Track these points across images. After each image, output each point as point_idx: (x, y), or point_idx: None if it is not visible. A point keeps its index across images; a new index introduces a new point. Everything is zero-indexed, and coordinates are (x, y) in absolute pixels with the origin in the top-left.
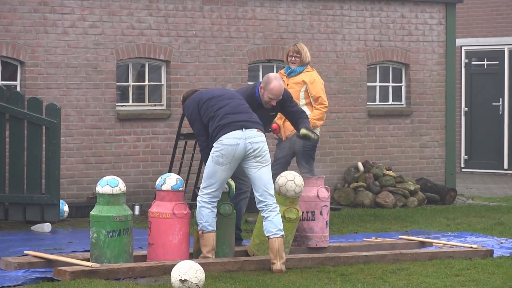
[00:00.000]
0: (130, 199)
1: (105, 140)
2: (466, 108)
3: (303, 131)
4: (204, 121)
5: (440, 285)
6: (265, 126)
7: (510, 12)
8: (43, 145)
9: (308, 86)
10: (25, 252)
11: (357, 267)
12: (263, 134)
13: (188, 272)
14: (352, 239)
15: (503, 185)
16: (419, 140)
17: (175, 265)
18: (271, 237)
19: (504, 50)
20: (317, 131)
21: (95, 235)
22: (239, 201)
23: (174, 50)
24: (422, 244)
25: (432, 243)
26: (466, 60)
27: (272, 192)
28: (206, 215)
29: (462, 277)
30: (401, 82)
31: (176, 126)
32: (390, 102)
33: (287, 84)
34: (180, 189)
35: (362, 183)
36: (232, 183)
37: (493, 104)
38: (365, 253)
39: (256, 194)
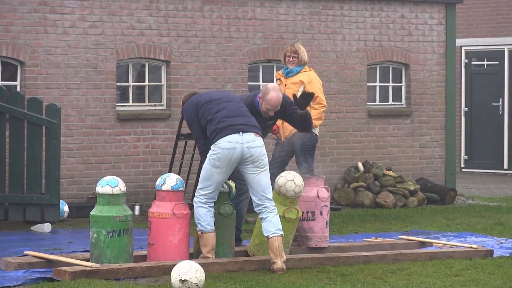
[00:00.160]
0: (130, 199)
1: (105, 140)
2: (466, 108)
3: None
4: (202, 124)
5: (440, 285)
6: (263, 134)
7: (510, 12)
8: (43, 145)
9: (306, 86)
10: (25, 252)
11: (357, 267)
12: (261, 138)
13: (188, 272)
14: (352, 239)
15: (503, 185)
16: (419, 140)
17: (175, 265)
18: (271, 236)
19: (504, 50)
20: (316, 131)
21: (95, 235)
22: (239, 202)
23: (174, 50)
24: (422, 244)
25: (432, 243)
26: (466, 60)
27: (270, 196)
28: (204, 214)
29: (462, 277)
30: (401, 82)
31: (176, 126)
32: (390, 102)
33: (285, 85)
34: (180, 189)
35: (362, 183)
36: (233, 184)
37: (493, 104)
38: (365, 253)
39: (254, 198)
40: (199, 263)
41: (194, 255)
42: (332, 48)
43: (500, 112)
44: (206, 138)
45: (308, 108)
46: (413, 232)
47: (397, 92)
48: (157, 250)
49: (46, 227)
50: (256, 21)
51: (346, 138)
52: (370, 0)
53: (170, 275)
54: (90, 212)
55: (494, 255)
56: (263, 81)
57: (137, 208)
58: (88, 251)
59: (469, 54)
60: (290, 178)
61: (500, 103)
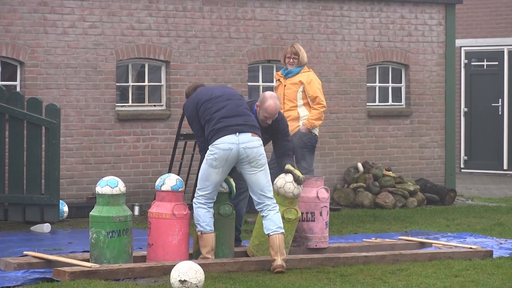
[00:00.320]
0: (130, 200)
1: (105, 141)
2: (466, 109)
3: (289, 167)
4: (201, 123)
5: (439, 286)
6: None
7: (510, 13)
8: (43, 146)
9: (305, 87)
10: (24, 252)
11: (356, 268)
12: (259, 138)
13: (188, 273)
14: (351, 240)
15: (502, 186)
16: (418, 141)
17: (174, 265)
18: (271, 234)
19: (503, 51)
20: (316, 131)
21: (94, 235)
22: (238, 201)
23: (174, 50)
24: (422, 245)
25: (431, 243)
26: (466, 61)
27: (270, 194)
28: (203, 215)
29: (462, 277)
30: (401, 83)
31: (176, 126)
32: (390, 102)
33: (285, 85)
34: (179, 189)
35: (361, 183)
36: (233, 183)
37: (493, 104)
38: (364, 254)
39: (254, 197)
40: (198, 264)
41: (193, 255)
42: (331, 49)
43: (500, 113)
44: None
45: (307, 108)
46: (413, 233)
47: (396, 93)
48: (156, 250)
49: (46, 227)
50: (255, 21)
51: (346, 138)
52: (370, 0)
53: (169, 276)
54: (90, 213)
55: (494, 256)
56: (262, 82)
57: (136, 209)
58: (88, 251)
59: (468, 55)
60: (289, 180)
61: (500, 104)
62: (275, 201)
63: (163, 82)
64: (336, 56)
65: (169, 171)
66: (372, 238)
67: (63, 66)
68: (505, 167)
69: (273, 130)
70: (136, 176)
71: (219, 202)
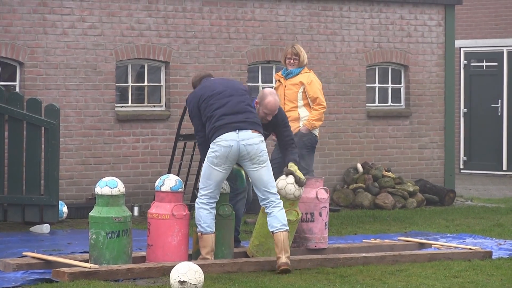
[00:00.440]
0: (129, 200)
1: (104, 141)
2: (465, 110)
3: (292, 167)
4: (203, 120)
5: (439, 287)
6: None
7: (509, 13)
8: (42, 146)
9: (305, 87)
10: (24, 253)
11: (356, 269)
12: (259, 134)
13: (187, 274)
14: (351, 240)
15: (502, 187)
16: (418, 141)
17: (174, 266)
18: (276, 231)
19: (503, 52)
20: (316, 131)
21: (94, 236)
22: (236, 202)
23: (173, 51)
24: (421, 246)
25: (431, 244)
26: (465, 62)
27: (274, 190)
28: (205, 216)
29: (461, 278)
30: (400, 84)
31: (176, 127)
32: (389, 103)
33: (285, 86)
34: (179, 190)
35: (361, 184)
36: (243, 172)
37: (492, 105)
38: (364, 255)
39: (258, 194)
40: (198, 264)
41: (193, 256)
42: (331, 49)
43: (499, 113)
44: (204, 132)
45: (307, 108)
46: (412, 233)
47: (396, 93)
48: (156, 251)
49: (45, 228)
50: (255, 22)
51: (345, 139)
52: (370, 1)
53: (169, 276)
54: (89, 213)
55: (493, 257)
56: (262, 82)
57: (136, 209)
58: (87, 252)
59: (468, 56)
60: (290, 181)
61: (499, 104)
62: (279, 197)
63: (162, 83)
64: (335, 56)
65: (169, 172)
66: (372, 239)
67: (62, 66)
68: (504, 167)
69: (272, 124)
70: (135, 176)
71: (219, 202)
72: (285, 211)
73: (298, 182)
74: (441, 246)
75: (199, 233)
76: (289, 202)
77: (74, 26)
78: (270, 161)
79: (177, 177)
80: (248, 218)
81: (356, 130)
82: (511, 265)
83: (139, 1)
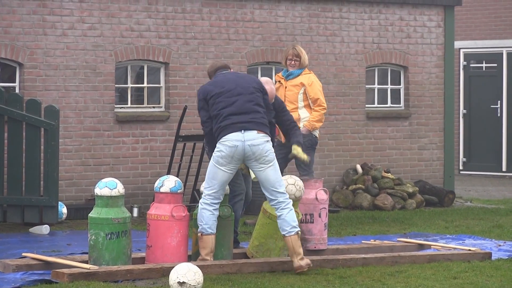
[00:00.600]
0: (129, 201)
1: (104, 142)
2: (465, 111)
3: (294, 150)
4: (210, 114)
5: None
6: None
7: (509, 15)
8: (42, 147)
9: (306, 88)
10: (23, 254)
11: (355, 270)
12: (265, 135)
13: (187, 275)
14: (350, 242)
15: (501, 188)
16: (417, 143)
17: (173, 267)
18: (286, 235)
19: (502, 53)
20: (316, 132)
21: (93, 237)
22: (233, 203)
23: (173, 52)
24: (421, 247)
25: (430, 245)
26: (465, 63)
27: (282, 189)
28: (207, 217)
29: (461, 279)
30: (400, 85)
31: (175, 128)
32: (389, 104)
33: (285, 87)
34: (178, 191)
35: (360, 185)
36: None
37: (492, 106)
38: (363, 256)
39: (266, 194)
40: (197, 265)
41: (192, 257)
42: (331, 50)
43: (499, 114)
44: (211, 123)
45: (307, 110)
46: (412, 235)
47: (395, 94)
48: (155, 252)
49: (45, 229)
50: (255, 23)
51: (345, 140)
52: (369, 2)
53: (168, 277)
54: (89, 214)
55: (493, 258)
56: None
57: (135, 210)
58: (87, 253)
59: (467, 57)
60: (291, 182)
61: (499, 105)
62: (287, 196)
63: (162, 84)
64: (335, 58)
65: (168, 173)
66: (371, 240)
67: (62, 67)
68: (504, 169)
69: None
70: (135, 177)
71: None
72: None
73: (303, 162)
74: (440, 247)
75: (199, 234)
76: None
77: (73, 27)
78: None
79: (176, 178)
80: (247, 219)
81: (355, 131)
82: (511, 266)
83: (138, 2)
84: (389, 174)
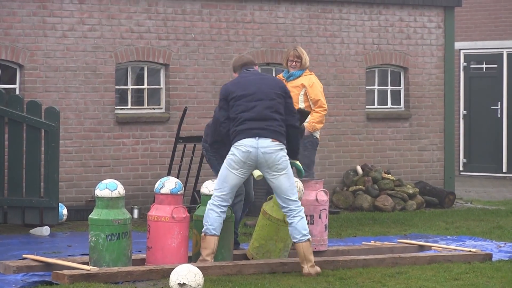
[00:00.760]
0: (129, 203)
1: (104, 143)
2: (465, 112)
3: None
4: (229, 115)
5: None
6: None
7: (509, 15)
8: (42, 149)
9: (307, 90)
10: (23, 255)
11: (356, 271)
12: (279, 143)
13: (187, 276)
14: (350, 243)
15: (501, 189)
16: (418, 144)
17: (174, 268)
18: (296, 242)
19: (502, 54)
20: (317, 134)
21: (94, 238)
22: (234, 204)
23: (173, 53)
24: (421, 248)
25: (431, 246)
26: (465, 64)
27: (294, 197)
28: (213, 218)
29: (461, 281)
30: (400, 86)
31: (175, 129)
32: (389, 105)
33: None
34: (179, 192)
35: (361, 186)
36: (298, 163)
37: (492, 107)
38: (364, 257)
39: (278, 200)
40: (197, 267)
41: (192, 258)
42: (330, 51)
43: (499, 115)
44: (229, 124)
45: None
46: (412, 236)
47: (395, 96)
48: (156, 253)
49: (45, 230)
50: (255, 24)
51: (345, 141)
52: (369, 3)
53: (169, 279)
54: (89, 216)
55: (493, 259)
56: None
57: (136, 211)
58: (87, 254)
59: (467, 57)
60: None
61: (499, 106)
62: (299, 204)
63: (162, 85)
64: (335, 59)
65: (168, 174)
66: (371, 241)
67: (62, 69)
68: (504, 170)
69: None
70: (135, 179)
71: None
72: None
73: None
74: (441, 248)
75: (202, 234)
76: None
77: (73, 28)
78: None
79: (176, 180)
80: (247, 220)
81: (355, 132)
82: (511, 267)
83: (138, 4)
84: (390, 175)
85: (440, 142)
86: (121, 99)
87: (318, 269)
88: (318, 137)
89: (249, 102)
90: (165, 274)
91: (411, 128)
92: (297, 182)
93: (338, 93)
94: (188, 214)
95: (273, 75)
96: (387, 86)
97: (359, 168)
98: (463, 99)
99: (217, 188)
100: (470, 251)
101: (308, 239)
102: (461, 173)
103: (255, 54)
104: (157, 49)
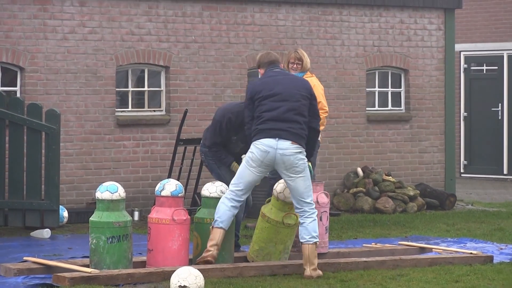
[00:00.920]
0: (130, 205)
1: (105, 146)
2: (466, 113)
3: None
4: (253, 115)
5: None
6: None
7: (509, 17)
8: (43, 151)
9: None
10: (24, 258)
11: (356, 273)
12: (298, 146)
13: (188, 278)
14: (351, 245)
15: (502, 191)
16: (418, 146)
17: (174, 271)
18: (304, 243)
19: (503, 56)
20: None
21: (94, 241)
22: None
23: (173, 55)
24: (422, 250)
25: (431, 249)
26: (465, 65)
27: (309, 199)
28: (223, 211)
29: (462, 283)
30: (400, 88)
31: (176, 131)
32: (389, 107)
33: None
34: (179, 194)
35: (361, 188)
36: (310, 166)
37: (492, 109)
38: (364, 259)
39: (293, 201)
40: (198, 269)
41: (193, 260)
42: (331, 54)
43: (500, 117)
44: (252, 124)
45: None
46: (413, 238)
47: (396, 97)
48: (156, 256)
49: (46, 232)
50: (255, 26)
51: (346, 143)
52: (369, 5)
53: (169, 281)
54: (90, 218)
55: (494, 261)
56: None
57: (136, 214)
58: (88, 257)
59: (468, 59)
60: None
61: (500, 108)
62: (313, 206)
63: (162, 87)
64: (335, 61)
65: (169, 176)
66: (372, 243)
67: (63, 71)
68: (505, 171)
69: None
70: (135, 181)
71: None
72: (284, 215)
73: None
74: (442, 250)
75: (211, 227)
76: (288, 206)
77: (74, 31)
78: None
79: (177, 182)
80: (248, 223)
81: (356, 134)
82: None
83: (139, 6)
84: (390, 177)
85: (441, 144)
86: (122, 101)
87: (319, 272)
88: (319, 139)
89: (274, 102)
90: (166, 276)
91: (412, 130)
92: None
93: (339, 95)
94: (188, 217)
95: None
96: (388, 88)
97: (359, 170)
98: (464, 101)
99: (233, 183)
100: (471, 253)
101: (315, 243)
102: (462, 175)
103: (255, 56)
104: (158, 51)
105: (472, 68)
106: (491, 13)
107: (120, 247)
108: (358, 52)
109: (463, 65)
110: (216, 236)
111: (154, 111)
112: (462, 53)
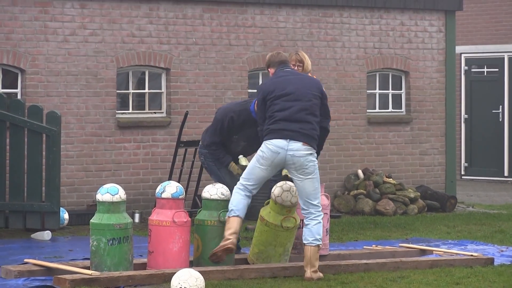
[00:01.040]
0: (130, 207)
1: (105, 148)
2: (466, 115)
3: (284, 171)
4: (266, 115)
5: None
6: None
7: (509, 19)
8: (44, 153)
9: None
10: (25, 260)
11: (357, 275)
12: (309, 147)
13: (188, 280)
14: (352, 247)
15: (503, 193)
16: (419, 148)
17: (175, 273)
18: (306, 244)
19: (504, 58)
20: None
21: (95, 243)
22: None
23: (174, 57)
24: (423, 252)
25: (432, 251)
26: (466, 67)
27: (316, 201)
28: (237, 200)
29: (463, 285)
30: (401, 90)
31: (176, 133)
32: (390, 109)
33: None
34: (180, 196)
35: (362, 190)
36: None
37: (493, 111)
38: (365, 261)
39: (300, 202)
40: (199, 271)
41: (194, 263)
42: (331, 56)
43: (500, 119)
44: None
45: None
46: (413, 240)
47: (397, 100)
48: (157, 258)
49: (46, 234)
50: (255, 28)
51: (346, 145)
52: (370, 7)
53: (170, 283)
54: (90, 220)
55: (495, 263)
56: None
57: (137, 216)
58: (88, 259)
59: (469, 61)
60: (286, 189)
61: (500, 110)
62: (320, 209)
63: (163, 89)
64: (336, 63)
65: (170, 178)
66: (373, 245)
67: (63, 73)
68: (505, 174)
69: None
70: (136, 183)
71: (220, 209)
72: (283, 219)
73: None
74: (442, 252)
75: (227, 217)
76: (286, 209)
77: (75, 33)
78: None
79: (178, 184)
80: (249, 225)
81: (356, 136)
82: None
83: (139, 8)
84: (391, 179)
85: (442, 146)
86: (122, 103)
87: (320, 274)
88: None
89: (286, 101)
90: (166, 278)
91: (412, 132)
92: (292, 187)
93: (339, 97)
94: (189, 219)
95: None
96: (388, 90)
97: (360, 172)
98: (464, 103)
99: (244, 177)
100: (471, 255)
101: (318, 245)
102: (463, 177)
103: (256, 58)
104: (158, 53)
105: (473, 70)
106: (491, 15)
107: (121, 249)
108: (358, 54)
109: (463, 67)
110: (234, 224)
111: (155, 113)
112: (462, 55)
